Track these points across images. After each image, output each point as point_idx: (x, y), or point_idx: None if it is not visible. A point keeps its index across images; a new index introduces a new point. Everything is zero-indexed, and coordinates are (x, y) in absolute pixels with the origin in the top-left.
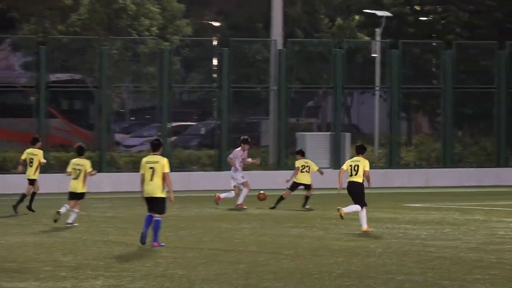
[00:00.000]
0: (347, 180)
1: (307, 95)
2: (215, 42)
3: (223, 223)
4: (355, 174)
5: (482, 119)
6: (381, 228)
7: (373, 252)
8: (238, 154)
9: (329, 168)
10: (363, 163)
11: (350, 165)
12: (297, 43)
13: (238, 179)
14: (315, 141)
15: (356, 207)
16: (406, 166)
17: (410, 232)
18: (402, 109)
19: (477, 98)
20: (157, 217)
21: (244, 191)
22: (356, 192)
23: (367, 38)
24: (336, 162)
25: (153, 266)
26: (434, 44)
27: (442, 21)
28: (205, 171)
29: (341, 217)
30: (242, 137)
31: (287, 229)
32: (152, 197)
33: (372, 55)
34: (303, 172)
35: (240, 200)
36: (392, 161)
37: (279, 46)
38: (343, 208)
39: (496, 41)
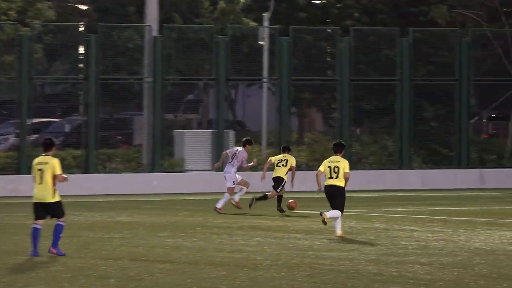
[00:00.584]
0: (326, 184)
1: (186, 88)
2: (81, 28)
3: (91, 232)
4: (336, 177)
5: (383, 114)
6: (269, 238)
7: (261, 265)
8: (245, 156)
9: (210, 170)
10: (344, 164)
11: (329, 167)
12: (174, 29)
13: (235, 178)
14: (195, 140)
15: (338, 213)
16: (297, 168)
17: (302, 242)
18: (293, 103)
19: (377, 91)
20: (60, 221)
21: (244, 190)
22: (338, 197)
23: (253, 24)
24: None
25: (11, 282)
26: (329, 30)
27: (338, 5)
28: (71, 173)
29: (324, 222)
30: (245, 138)
31: (162, 238)
32: (43, 202)
33: (260, 43)
34: (279, 166)
35: (236, 198)
36: None
37: (154, 32)
38: (326, 213)
39: (398, 28)
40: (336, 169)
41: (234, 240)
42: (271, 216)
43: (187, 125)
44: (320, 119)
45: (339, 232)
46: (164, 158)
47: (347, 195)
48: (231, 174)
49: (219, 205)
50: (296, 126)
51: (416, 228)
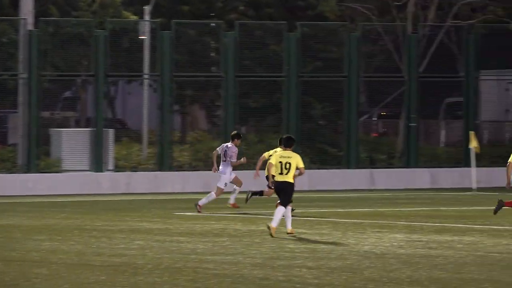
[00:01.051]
0: (276, 179)
1: (63, 85)
2: None
3: None
4: (287, 173)
5: (270, 112)
6: (151, 241)
7: (141, 269)
8: (234, 150)
9: (89, 170)
10: (296, 160)
11: (280, 162)
12: (51, 23)
13: (228, 180)
14: (72, 139)
15: (280, 210)
16: (180, 168)
17: (185, 245)
18: (175, 101)
19: (263, 88)
20: None
21: (237, 190)
22: (289, 193)
23: (134, 18)
24: (97, 163)
25: None
26: (213, 24)
27: None
28: None
29: (271, 235)
30: (234, 132)
31: (39, 242)
32: None
33: (140, 37)
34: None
35: (232, 200)
36: (163, 163)
37: (30, 26)
38: (272, 223)
39: (285, 22)
40: (287, 165)
41: (114, 243)
42: (152, 219)
43: (64, 124)
44: (203, 117)
45: (289, 227)
46: (40, 158)
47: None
48: (226, 176)
49: (201, 202)
50: (179, 124)
51: (304, 231)
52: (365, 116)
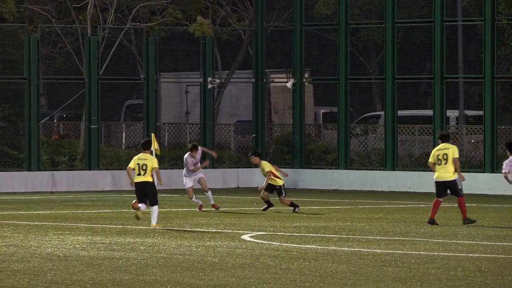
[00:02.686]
0: (136, 180)
1: None
2: None
3: None
4: (144, 174)
5: None
6: None
7: None
8: (188, 160)
9: None
10: (152, 161)
11: (138, 164)
12: None
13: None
14: None
15: (155, 209)
16: None
17: None
18: None
19: None
20: None
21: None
22: (150, 192)
23: None
24: None
25: None
26: None
27: None
28: None
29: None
30: (191, 144)
31: None
32: None
33: None
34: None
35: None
36: None
37: None
38: (152, 222)
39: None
40: (144, 167)
41: None
42: None
43: None
44: None
45: (154, 223)
46: None
47: None
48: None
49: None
50: None
51: None
52: (46, 118)
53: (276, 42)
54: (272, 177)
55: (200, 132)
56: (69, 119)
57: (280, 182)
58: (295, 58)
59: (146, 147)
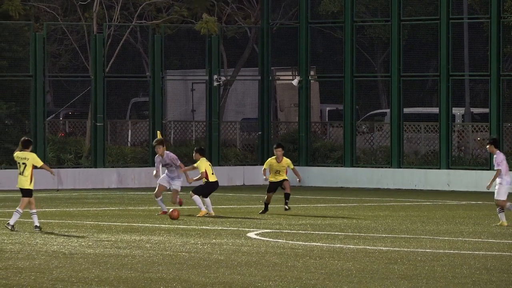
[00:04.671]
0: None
1: None
2: None
3: None
4: (22, 173)
5: None
6: None
7: None
8: (156, 159)
9: None
10: (33, 160)
11: (19, 163)
12: None
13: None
14: None
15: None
16: None
17: None
18: None
19: None
20: None
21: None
22: (25, 193)
23: None
24: None
25: None
26: None
27: None
28: None
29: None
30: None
31: None
32: None
33: None
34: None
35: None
36: None
37: None
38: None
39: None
40: (24, 166)
41: None
42: None
43: None
44: None
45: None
46: None
47: None
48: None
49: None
50: None
51: None
52: (52, 116)
53: (281, 39)
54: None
55: (206, 129)
56: (75, 116)
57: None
58: (301, 56)
59: (26, 145)
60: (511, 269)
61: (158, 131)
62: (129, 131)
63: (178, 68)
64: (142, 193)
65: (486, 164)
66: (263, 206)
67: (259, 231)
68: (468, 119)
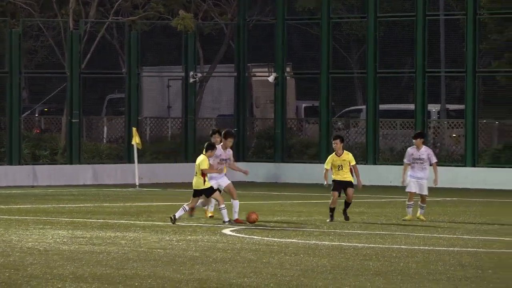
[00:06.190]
0: None
1: None
2: None
3: None
4: None
5: None
6: None
7: None
8: (217, 152)
9: None
10: None
11: None
12: None
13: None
14: None
15: None
16: None
17: None
18: None
19: None
20: None
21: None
22: None
23: None
24: None
25: None
26: None
27: None
28: None
29: None
30: (225, 130)
31: None
32: None
33: None
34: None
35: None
36: None
37: None
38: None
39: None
40: None
41: None
42: None
43: None
44: None
45: None
46: None
47: None
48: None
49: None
50: None
51: None
52: (27, 112)
53: (258, 36)
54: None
55: (182, 126)
56: (51, 113)
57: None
58: (277, 52)
59: None
60: (485, 265)
61: (134, 128)
62: (105, 127)
63: (154, 64)
64: (118, 189)
65: (462, 160)
66: (329, 212)
67: (234, 228)
68: (444, 116)
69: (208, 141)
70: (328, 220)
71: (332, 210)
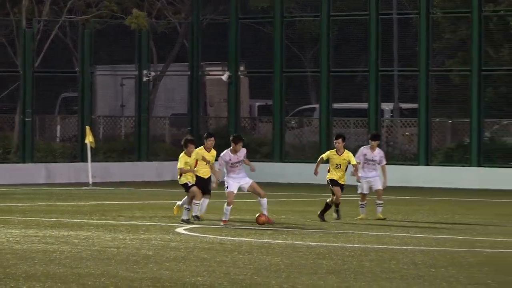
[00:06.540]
0: None
1: None
2: None
3: None
4: None
5: None
6: None
7: None
8: (225, 157)
9: None
10: None
11: None
12: None
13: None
14: None
15: None
16: None
17: None
18: None
19: None
20: None
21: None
22: None
23: None
24: None
25: None
26: None
27: None
28: None
29: None
30: (233, 135)
31: None
32: None
33: None
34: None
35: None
36: None
37: None
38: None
39: None
40: None
41: None
42: None
43: None
44: None
45: None
46: None
47: None
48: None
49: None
50: None
51: None
52: None
53: (211, 35)
54: None
55: (135, 125)
56: (3, 112)
57: None
58: (231, 51)
59: None
60: (438, 263)
61: (87, 127)
62: (58, 126)
63: (107, 63)
64: (71, 188)
65: (415, 159)
66: (334, 208)
67: (188, 227)
68: (397, 115)
69: (185, 138)
70: (335, 218)
71: (337, 205)
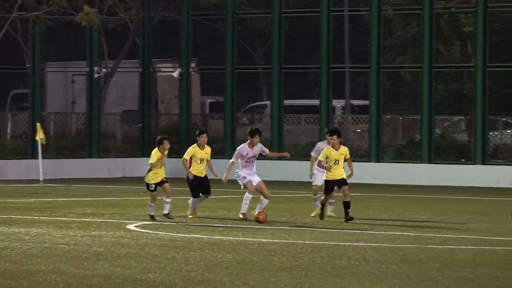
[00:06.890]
0: None
1: None
2: None
3: None
4: None
5: None
6: None
7: None
8: (242, 151)
9: None
10: None
11: None
12: None
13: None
14: None
15: None
16: None
17: None
18: None
19: None
20: None
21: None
22: None
23: None
24: None
25: None
26: None
27: None
28: None
29: None
30: (250, 129)
31: None
32: None
33: None
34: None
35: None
36: None
37: None
38: None
39: None
40: None
41: None
42: None
43: None
44: None
45: None
46: None
47: None
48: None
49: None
50: None
51: None
52: None
53: (163, 31)
54: None
55: (86, 121)
56: None
57: None
58: (182, 48)
59: None
60: (389, 260)
61: (38, 123)
62: (9, 123)
63: (58, 60)
64: (21, 185)
65: (366, 156)
66: (320, 207)
67: (139, 223)
68: (348, 111)
69: (160, 137)
70: (317, 215)
71: (323, 205)
